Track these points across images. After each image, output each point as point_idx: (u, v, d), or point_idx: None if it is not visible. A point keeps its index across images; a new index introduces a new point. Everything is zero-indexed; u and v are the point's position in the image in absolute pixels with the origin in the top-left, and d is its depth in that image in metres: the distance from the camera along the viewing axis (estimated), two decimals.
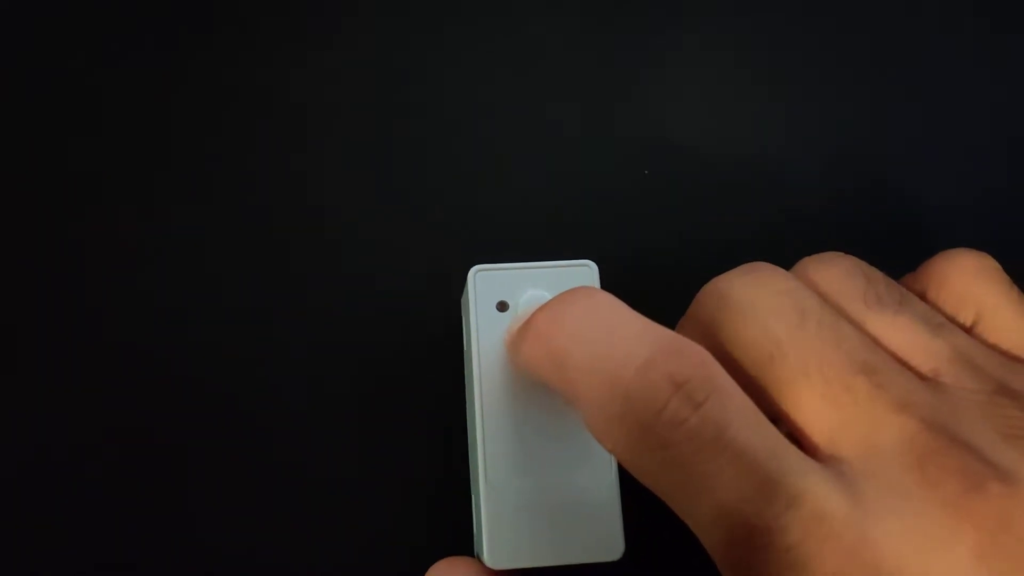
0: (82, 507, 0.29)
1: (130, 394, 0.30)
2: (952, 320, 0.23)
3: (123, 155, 0.32)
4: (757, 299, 0.22)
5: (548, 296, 0.26)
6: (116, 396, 0.30)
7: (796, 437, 0.21)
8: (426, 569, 0.26)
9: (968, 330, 0.23)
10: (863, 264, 0.24)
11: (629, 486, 0.25)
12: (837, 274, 0.24)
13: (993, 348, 0.23)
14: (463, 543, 0.28)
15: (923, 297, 0.24)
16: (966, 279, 0.24)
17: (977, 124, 0.34)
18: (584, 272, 0.27)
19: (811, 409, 0.21)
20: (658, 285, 0.27)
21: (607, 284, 0.25)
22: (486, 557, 0.25)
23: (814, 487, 0.19)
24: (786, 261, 0.25)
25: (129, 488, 0.29)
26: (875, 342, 0.22)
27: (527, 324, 0.24)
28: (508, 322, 0.26)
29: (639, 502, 0.25)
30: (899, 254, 0.26)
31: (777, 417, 0.21)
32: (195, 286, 0.31)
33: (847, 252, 0.25)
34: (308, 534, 0.29)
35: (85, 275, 0.31)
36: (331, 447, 0.30)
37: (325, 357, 0.31)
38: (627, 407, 0.20)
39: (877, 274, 0.24)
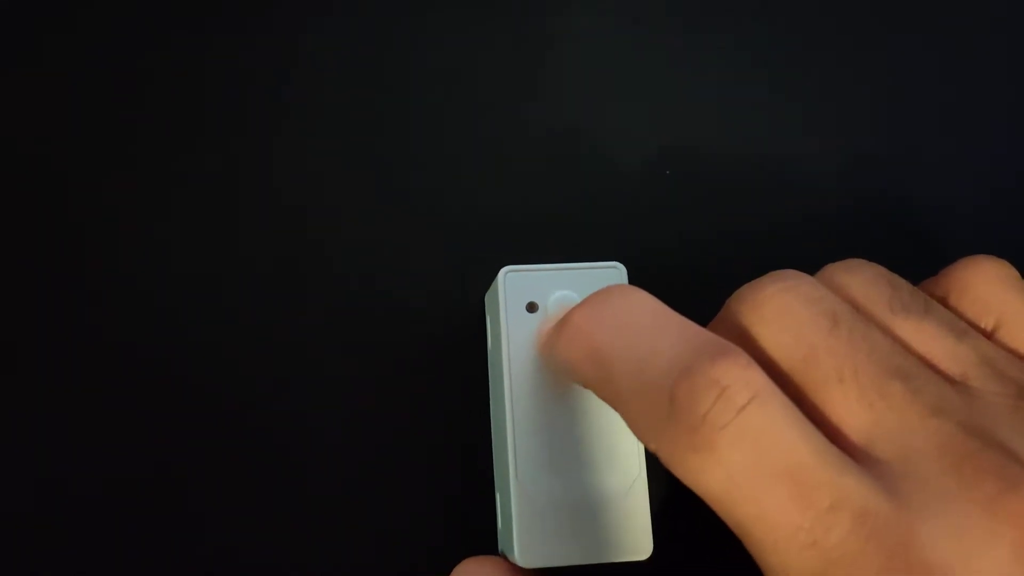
0: (81, 509, 0.29)
1: (131, 396, 0.30)
2: (973, 326, 0.24)
3: (122, 155, 0.32)
4: (789, 306, 0.23)
5: (577, 298, 0.26)
6: (117, 398, 0.30)
7: (834, 441, 0.21)
8: (440, 568, 0.27)
9: (988, 336, 0.24)
10: (887, 271, 0.25)
11: (657, 485, 0.26)
12: (863, 281, 0.24)
13: (1014, 354, 0.23)
14: (478, 540, 0.29)
15: (944, 303, 0.25)
16: (988, 287, 0.24)
17: (988, 125, 0.35)
18: (613, 274, 0.27)
19: (846, 413, 0.21)
20: (672, 285, 0.27)
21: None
22: (516, 556, 0.25)
23: (857, 487, 0.19)
24: (803, 261, 0.25)
25: (130, 489, 0.29)
26: (905, 347, 0.22)
27: (564, 322, 0.24)
28: (537, 323, 0.27)
29: (667, 501, 0.25)
30: (915, 255, 0.27)
31: (813, 422, 0.21)
32: (194, 287, 0.31)
33: (864, 253, 0.25)
34: (313, 535, 0.29)
35: (85, 276, 0.31)
36: (333, 446, 0.30)
37: (325, 356, 0.31)
38: (672, 410, 0.21)
39: (901, 281, 0.24)
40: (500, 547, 0.27)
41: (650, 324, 0.23)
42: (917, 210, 0.33)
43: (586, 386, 0.24)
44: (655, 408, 0.21)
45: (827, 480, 0.19)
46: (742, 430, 0.20)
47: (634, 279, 0.27)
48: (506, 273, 0.27)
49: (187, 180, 0.32)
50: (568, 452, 0.26)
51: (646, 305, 0.23)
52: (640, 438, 0.22)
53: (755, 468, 0.20)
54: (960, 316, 0.24)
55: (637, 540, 0.26)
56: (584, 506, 0.26)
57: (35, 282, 0.30)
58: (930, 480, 0.20)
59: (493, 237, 0.32)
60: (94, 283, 0.31)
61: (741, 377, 0.20)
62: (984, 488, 0.19)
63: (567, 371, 0.25)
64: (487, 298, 0.28)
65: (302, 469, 0.30)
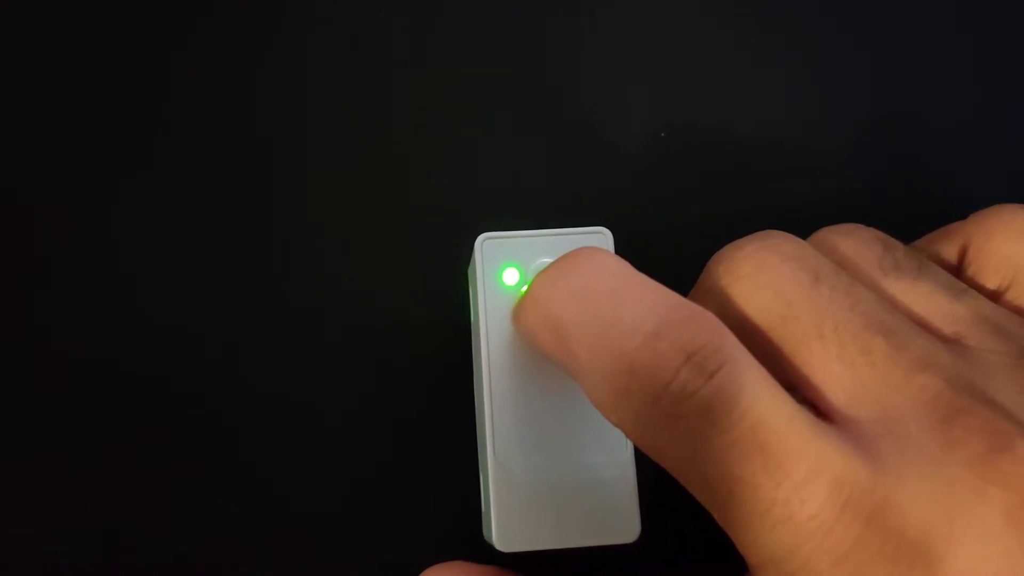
0: (77, 515, 0.28)
1: (126, 403, 0.29)
2: (984, 282, 0.24)
3: (117, 153, 0.31)
4: (768, 262, 0.22)
5: None
6: (113, 404, 0.29)
7: (813, 402, 0.21)
8: (424, 555, 0.26)
9: (1002, 292, 0.23)
10: (882, 234, 0.24)
11: (646, 465, 0.25)
12: (854, 242, 0.23)
13: (1021, 312, 0.23)
14: (465, 526, 0.28)
15: (963, 250, 0.24)
16: (1012, 237, 0.23)
17: (1009, 102, 0.33)
18: (598, 239, 0.26)
19: (827, 372, 0.20)
20: (662, 253, 0.26)
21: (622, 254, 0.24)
22: (495, 540, 0.24)
23: (834, 454, 0.19)
24: (807, 235, 0.24)
25: (124, 494, 0.29)
26: (893, 305, 0.22)
27: (527, 291, 0.24)
28: (517, 293, 0.25)
29: (656, 481, 0.24)
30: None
31: (792, 383, 0.21)
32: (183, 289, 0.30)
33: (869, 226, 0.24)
34: (294, 517, 0.28)
35: (80, 276, 0.30)
36: (316, 429, 0.29)
37: (309, 335, 0.30)
38: (633, 379, 0.20)
39: (895, 243, 0.24)
40: (484, 532, 0.26)
41: (613, 289, 0.22)
42: (947, 189, 0.32)
43: (550, 358, 0.23)
44: (616, 377, 0.20)
45: (801, 449, 0.19)
46: (709, 400, 0.19)
47: (622, 246, 0.26)
48: (483, 240, 0.26)
49: (179, 178, 0.31)
50: (551, 430, 0.25)
51: (610, 269, 0.22)
52: (602, 412, 0.21)
53: (724, 442, 0.19)
54: (974, 267, 0.24)
55: (624, 522, 0.24)
56: (568, 487, 0.25)
57: (31, 284, 0.30)
58: (912, 440, 0.19)
59: (479, 207, 0.31)
60: (91, 285, 0.30)
61: (710, 343, 0.20)
62: (971, 447, 0.18)
63: (532, 342, 0.24)
64: (469, 270, 0.27)
65: (285, 451, 0.29)
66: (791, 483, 0.18)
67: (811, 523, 0.18)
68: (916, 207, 0.32)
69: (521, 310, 0.24)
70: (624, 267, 0.22)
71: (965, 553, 0.18)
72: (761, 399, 0.19)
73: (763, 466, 0.19)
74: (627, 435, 0.21)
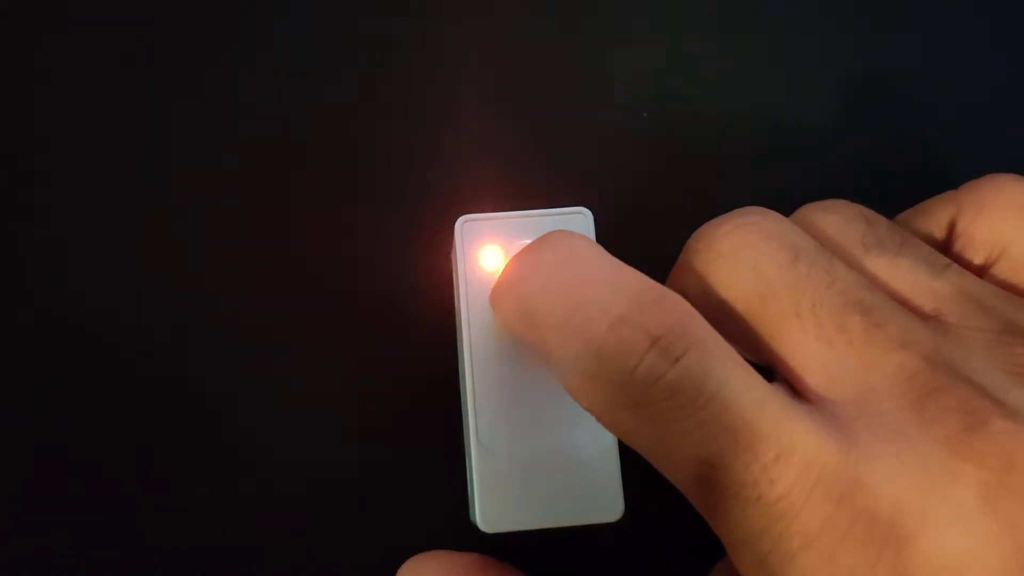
0: (77, 515, 0.29)
1: (126, 403, 0.29)
2: (971, 255, 0.23)
3: (106, 150, 0.31)
4: (747, 241, 0.22)
5: None
6: (113, 404, 0.29)
7: (791, 382, 0.21)
8: (412, 540, 0.26)
9: (989, 266, 0.23)
10: (866, 210, 0.24)
11: None
12: (837, 219, 0.23)
13: (1008, 287, 0.22)
14: (455, 512, 0.27)
15: (954, 220, 0.24)
16: (1003, 211, 0.23)
17: (1000, 86, 0.33)
18: (578, 220, 0.26)
19: (804, 351, 0.20)
20: (654, 235, 0.26)
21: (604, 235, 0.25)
22: (479, 521, 0.24)
23: (804, 435, 0.19)
24: (791, 212, 0.24)
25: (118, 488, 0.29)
26: (872, 282, 0.21)
27: (500, 275, 0.24)
28: (497, 275, 0.25)
29: (639, 460, 0.24)
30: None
31: (771, 363, 0.21)
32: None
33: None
34: (285, 503, 0.29)
35: (81, 277, 0.30)
36: (306, 414, 0.29)
37: (296, 317, 0.30)
38: (601, 364, 0.20)
39: (879, 218, 0.23)
40: (470, 514, 0.26)
41: (583, 274, 0.22)
42: (916, 167, 0.32)
43: (523, 342, 0.23)
44: (584, 362, 0.20)
45: (770, 430, 0.19)
46: (676, 384, 0.19)
47: (604, 226, 0.26)
48: (463, 223, 0.26)
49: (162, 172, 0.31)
50: (533, 410, 0.25)
51: (581, 252, 0.22)
52: (573, 397, 0.21)
53: (692, 425, 0.19)
54: (962, 240, 0.24)
55: (607, 501, 0.24)
56: (551, 467, 0.25)
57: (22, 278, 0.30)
58: (888, 419, 0.19)
59: (463, 188, 0.31)
60: (83, 283, 0.30)
61: (676, 327, 0.20)
62: (947, 426, 0.18)
63: (506, 327, 0.24)
64: (452, 253, 0.27)
65: (274, 439, 0.29)
66: (760, 464, 0.18)
67: (780, 504, 0.18)
68: (904, 183, 0.31)
69: (494, 295, 0.24)
70: (596, 251, 0.22)
71: (938, 533, 0.18)
72: (729, 381, 0.19)
73: (731, 448, 0.19)
74: (598, 420, 0.21)
